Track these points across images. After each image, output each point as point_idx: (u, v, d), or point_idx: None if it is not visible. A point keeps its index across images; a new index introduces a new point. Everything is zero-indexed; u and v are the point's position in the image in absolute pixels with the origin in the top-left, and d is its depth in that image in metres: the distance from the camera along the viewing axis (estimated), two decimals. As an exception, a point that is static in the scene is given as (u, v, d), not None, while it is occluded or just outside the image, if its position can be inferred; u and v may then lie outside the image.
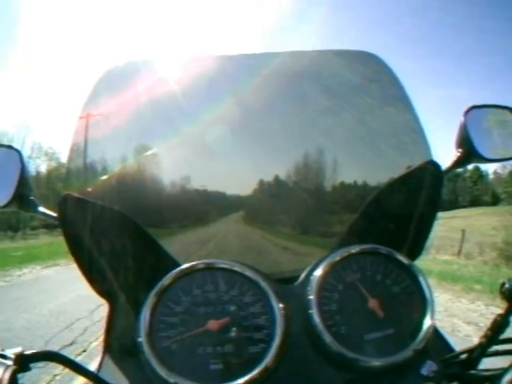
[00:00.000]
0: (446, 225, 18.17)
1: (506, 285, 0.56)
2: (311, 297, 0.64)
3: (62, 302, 6.07)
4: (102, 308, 4.87)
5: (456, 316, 5.42)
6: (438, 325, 0.67)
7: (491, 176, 62.88)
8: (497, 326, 0.58)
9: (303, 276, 0.70)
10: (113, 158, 0.79)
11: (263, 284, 0.64)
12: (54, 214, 0.70)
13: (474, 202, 56.37)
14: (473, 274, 8.92)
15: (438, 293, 6.69)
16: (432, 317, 0.63)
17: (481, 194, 61.54)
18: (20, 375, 0.46)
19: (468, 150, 0.74)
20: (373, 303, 0.64)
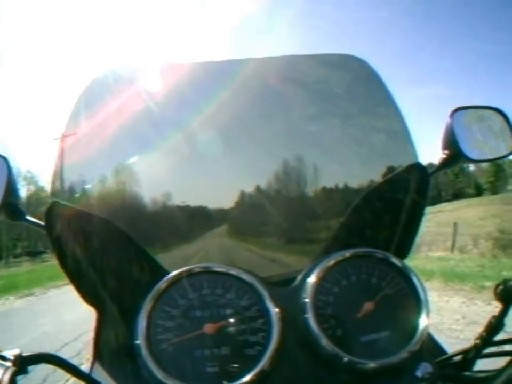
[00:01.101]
0: (433, 220, 17.92)
1: (501, 286, 0.57)
2: (306, 300, 0.65)
3: (26, 342, 5.38)
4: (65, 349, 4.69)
5: (478, 323, 4.53)
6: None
7: (472, 168, 62.85)
8: (492, 328, 0.58)
9: (298, 279, 0.71)
10: (100, 168, 0.80)
11: (259, 287, 0.65)
12: (41, 223, 0.70)
13: (458, 195, 55.99)
14: (474, 269, 8.35)
15: (448, 296, 6.31)
16: (427, 318, 0.64)
17: (464, 187, 61.75)
18: (18, 377, 0.47)
19: (454, 152, 0.75)
20: (368, 306, 0.65)
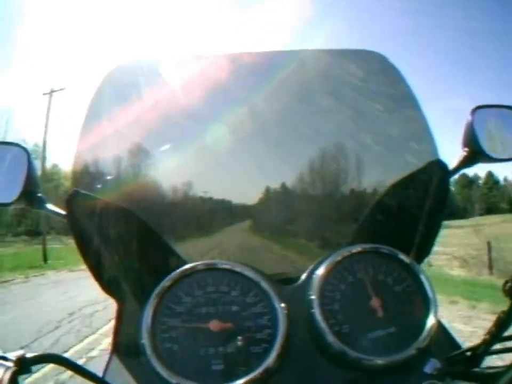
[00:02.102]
0: (468, 236, 16.53)
1: (509, 283, 0.57)
2: (313, 297, 0.65)
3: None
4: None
5: None
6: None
7: (502, 183, 60.92)
8: (501, 323, 0.58)
9: (304, 276, 0.71)
10: (121, 157, 0.80)
11: (265, 284, 0.65)
12: (62, 212, 0.71)
13: (491, 209, 54.50)
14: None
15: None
16: (435, 315, 0.64)
17: (498, 201, 59.53)
18: (21, 378, 0.47)
19: (474, 150, 0.74)
20: (375, 302, 0.65)
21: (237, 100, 0.79)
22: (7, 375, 0.45)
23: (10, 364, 0.47)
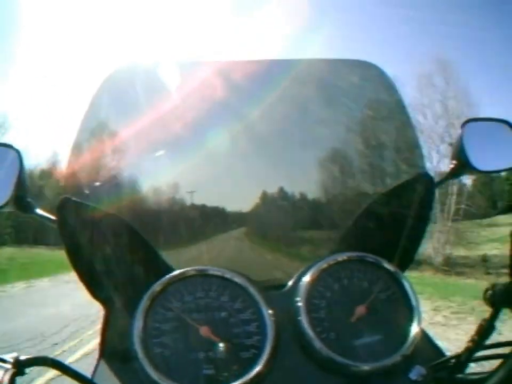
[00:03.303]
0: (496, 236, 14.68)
1: (490, 291, 0.59)
2: (299, 304, 0.67)
3: None
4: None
5: None
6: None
7: None
8: (483, 331, 0.60)
9: (291, 282, 0.73)
10: (112, 164, 0.80)
11: (253, 291, 0.67)
12: (52, 217, 0.71)
13: None
14: None
15: None
16: (419, 323, 0.67)
17: None
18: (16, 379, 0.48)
19: (462, 162, 0.77)
20: (360, 310, 0.67)
21: (233, 108, 0.80)
22: (7, 377, 0.46)
23: (7, 366, 0.48)
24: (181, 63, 0.88)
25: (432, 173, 0.75)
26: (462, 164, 0.77)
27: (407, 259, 0.78)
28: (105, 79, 0.79)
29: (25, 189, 0.74)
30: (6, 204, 0.71)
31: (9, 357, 0.49)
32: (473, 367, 0.65)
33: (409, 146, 0.84)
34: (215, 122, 0.80)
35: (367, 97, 0.88)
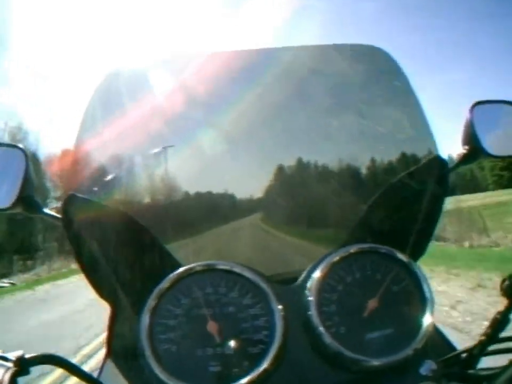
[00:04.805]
0: None
1: (507, 282, 0.56)
2: (310, 298, 0.66)
3: None
4: None
5: None
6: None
7: None
8: (497, 324, 0.59)
9: (302, 276, 0.72)
10: (117, 161, 0.81)
11: (263, 285, 0.66)
12: (58, 216, 0.71)
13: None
14: None
15: None
16: (431, 315, 0.65)
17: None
18: (20, 378, 0.48)
19: (474, 147, 0.74)
20: (372, 303, 0.66)
21: (234, 100, 0.79)
22: (7, 376, 0.46)
23: (9, 364, 0.48)
24: (175, 58, 0.87)
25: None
26: (474, 149, 0.73)
27: (421, 249, 0.76)
28: (104, 76, 0.79)
29: (32, 189, 0.73)
30: (13, 205, 0.71)
31: (14, 355, 0.49)
32: (486, 361, 0.63)
33: (420, 132, 0.81)
34: (216, 115, 0.79)
35: (374, 82, 0.86)
